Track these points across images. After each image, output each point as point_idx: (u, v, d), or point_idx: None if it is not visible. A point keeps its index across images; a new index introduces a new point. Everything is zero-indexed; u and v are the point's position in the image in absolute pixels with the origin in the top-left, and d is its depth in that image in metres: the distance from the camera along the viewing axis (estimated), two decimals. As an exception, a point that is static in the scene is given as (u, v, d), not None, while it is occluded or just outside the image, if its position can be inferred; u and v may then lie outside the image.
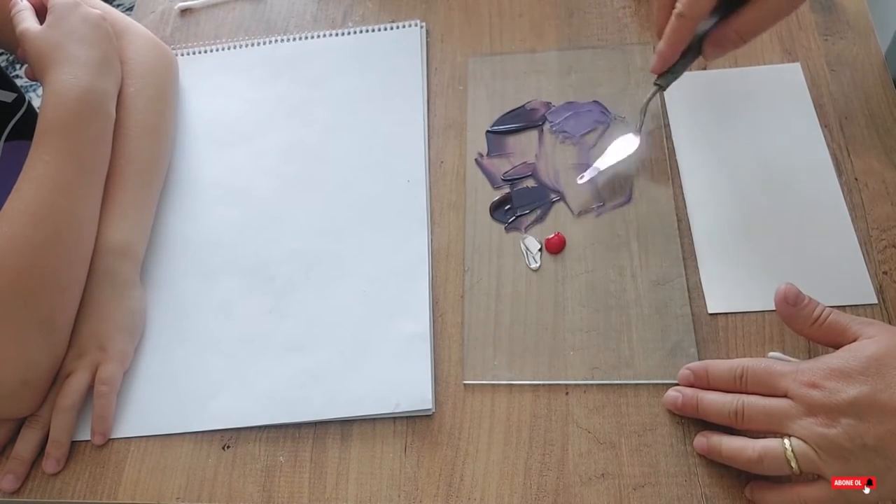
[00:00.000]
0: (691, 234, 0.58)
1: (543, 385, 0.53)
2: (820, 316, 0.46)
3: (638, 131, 0.61)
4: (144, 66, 0.65)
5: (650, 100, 0.60)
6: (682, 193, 0.60)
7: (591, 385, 0.52)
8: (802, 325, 0.46)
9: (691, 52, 0.56)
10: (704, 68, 0.66)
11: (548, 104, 0.66)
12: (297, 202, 0.64)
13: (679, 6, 0.52)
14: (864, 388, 0.41)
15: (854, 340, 0.44)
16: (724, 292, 0.55)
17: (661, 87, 0.58)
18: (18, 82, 0.82)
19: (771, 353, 0.49)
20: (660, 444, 0.50)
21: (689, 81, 0.60)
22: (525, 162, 0.63)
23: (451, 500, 0.49)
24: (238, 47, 0.75)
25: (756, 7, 0.51)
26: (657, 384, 0.52)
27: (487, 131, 0.66)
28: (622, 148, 0.61)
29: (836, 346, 0.45)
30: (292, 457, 0.52)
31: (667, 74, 0.57)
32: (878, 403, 0.41)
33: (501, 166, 0.63)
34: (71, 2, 0.61)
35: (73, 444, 0.54)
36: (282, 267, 0.60)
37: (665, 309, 0.54)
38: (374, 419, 0.53)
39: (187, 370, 0.56)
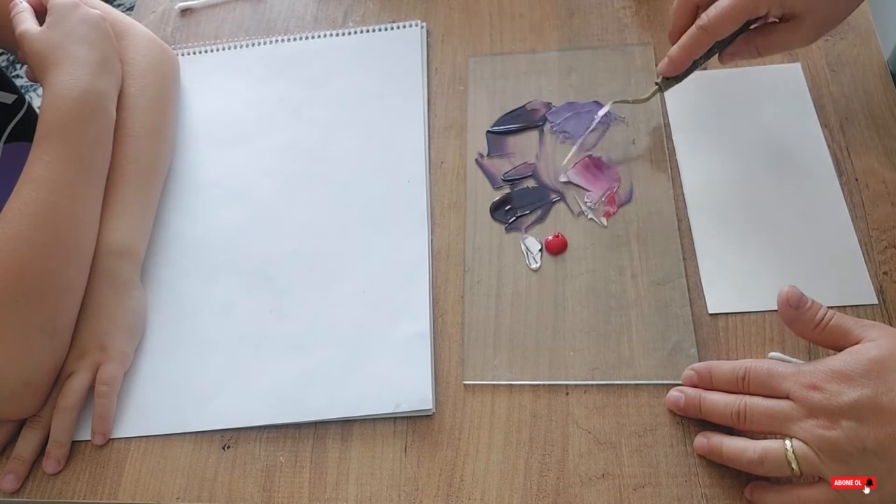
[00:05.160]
0: (691, 234, 0.58)
1: (544, 385, 0.53)
2: (822, 319, 0.45)
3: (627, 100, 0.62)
4: (145, 66, 0.65)
5: (648, 99, 0.60)
6: (682, 193, 0.60)
7: (592, 385, 0.52)
8: (805, 329, 0.46)
9: (699, 61, 0.57)
10: (704, 69, 0.66)
11: (548, 104, 0.66)
12: (297, 202, 0.64)
13: (704, 19, 0.53)
14: (866, 390, 0.41)
15: (856, 343, 0.44)
16: (724, 292, 0.55)
17: (661, 89, 0.59)
18: (18, 83, 0.82)
19: (771, 354, 0.49)
20: (660, 445, 0.50)
21: (690, 82, 0.60)
22: (525, 162, 0.63)
23: (451, 500, 0.49)
24: (238, 47, 0.75)
25: (786, 31, 0.53)
26: (657, 384, 0.52)
27: (488, 131, 0.66)
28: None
29: (839, 349, 0.45)
30: (292, 457, 0.52)
31: (670, 78, 0.58)
32: (878, 406, 0.41)
33: (502, 166, 0.63)
34: (70, 3, 0.61)
35: (74, 444, 0.54)
36: (282, 267, 0.60)
37: (665, 309, 0.54)
38: (374, 419, 0.53)
39: (187, 370, 0.56)
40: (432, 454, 0.51)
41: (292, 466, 0.52)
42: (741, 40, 0.55)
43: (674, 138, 0.62)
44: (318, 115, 0.69)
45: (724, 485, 0.48)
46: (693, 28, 0.54)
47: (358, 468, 0.51)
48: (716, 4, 0.53)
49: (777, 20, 0.54)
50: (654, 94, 0.60)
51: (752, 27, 0.55)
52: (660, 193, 0.60)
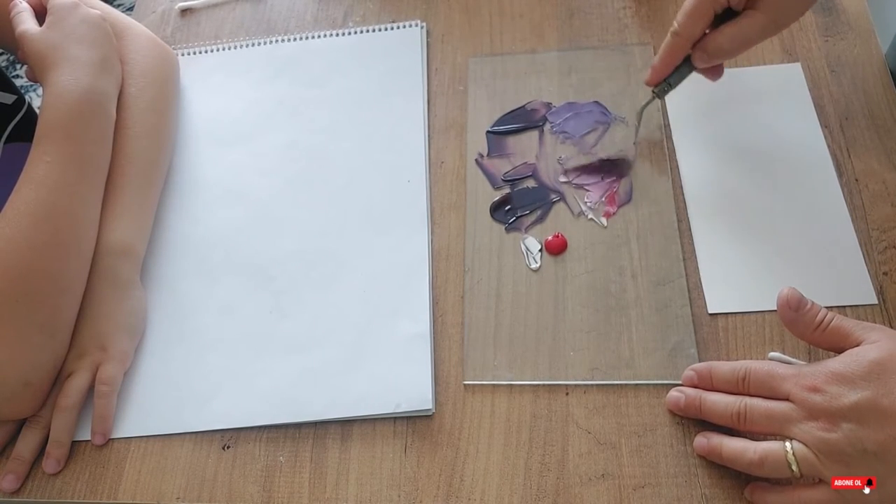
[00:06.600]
0: (691, 234, 0.58)
1: (543, 385, 0.53)
2: (822, 321, 0.45)
3: (634, 141, 0.62)
4: (145, 66, 0.65)
5: (645, 107, 0.61)
6: (682, 193, 0.60)
7: (592, 385, 0.52)
8: (805, 331, 0.46)
9: (686, 65, 0.58)
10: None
11: (548, 104, 0.66)
12: (297, 202, 0.64)
13: (675, 25, 0.55)
14: (866, 392, 0.41)
15: (857, 345, 0.44)
16: (724, 292, 0.55)
17: (658, 96, 0.60)
18: (18, 83, 0.82)
19: (771, 354, 0.49)
20: (660, 445, 0.50)
21: (690, 82, 0.60)
22: (525, 162, 0.63)
23: (451, 500, 0.49)
24: (238, 47, 0.75)
25: (739, 23, 0.53)
26: (657, 384, 0.52)
27: (488, 131, 0.66)
28: (618, 147, 0.63)
29: (839, 351, 0.45)
30: (292, 457, 0.52)
31: (663, 85, 0.59)
32: (879, 408, 0.41)
33: (502, 166, 0.63)
34: (70, 3, 0.61)
35: (74, 444, 0.54)
36: (282, 267, 0.60)
37: (665, 309, 0.54)
38: (374, 419, 0.53)
39: (187, 370, 0.56)
40: (432, 454, 0.51)
41: (292, 466, 0.52)
42: (707, 36, 0.55)
43: (674, 138, 0.63)
44: (318, 115, 0.69)
45: (724, 485, 0.48)
46: (668, 36, 0.56)
47: (358, 468, 0.51)
48: (682, 7, 0.54)
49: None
50: (650, 103, 0.61)
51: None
52: (660, 193, 0.60)
